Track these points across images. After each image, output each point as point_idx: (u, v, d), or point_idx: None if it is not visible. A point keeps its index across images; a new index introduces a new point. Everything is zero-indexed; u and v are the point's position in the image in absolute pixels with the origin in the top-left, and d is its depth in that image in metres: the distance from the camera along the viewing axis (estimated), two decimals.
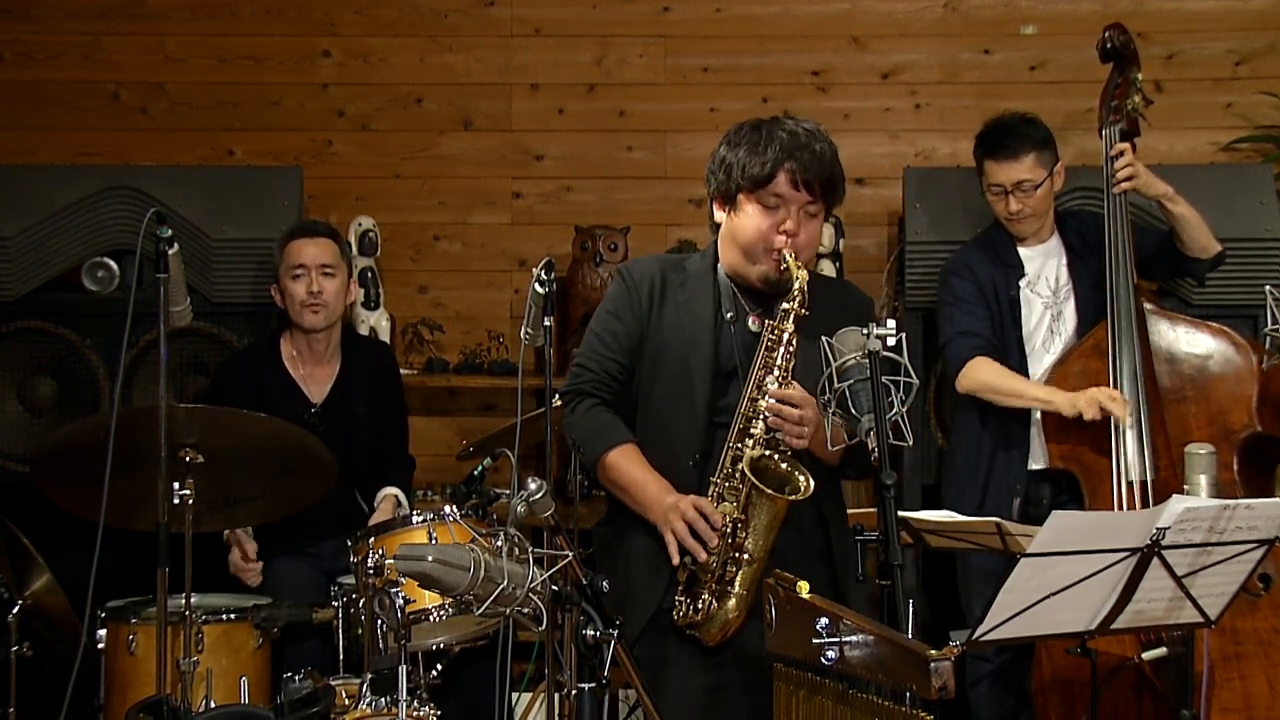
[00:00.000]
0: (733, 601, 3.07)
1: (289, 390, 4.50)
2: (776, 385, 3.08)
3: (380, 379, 4.64)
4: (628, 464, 3.21)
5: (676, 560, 3.09)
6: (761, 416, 3.08)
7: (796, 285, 3.10)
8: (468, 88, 5.53)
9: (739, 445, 3.10)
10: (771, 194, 3.14)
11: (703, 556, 3.06)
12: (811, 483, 3.04)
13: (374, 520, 4.32)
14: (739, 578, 3.06)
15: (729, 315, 3.24)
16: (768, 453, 3.08)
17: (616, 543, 3.30)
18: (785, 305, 3.12)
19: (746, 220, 3.17)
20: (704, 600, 3.08)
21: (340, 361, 4.57)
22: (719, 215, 3.26)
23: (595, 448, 3.25)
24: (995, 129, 4.31)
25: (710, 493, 3.11)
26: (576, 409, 3.31)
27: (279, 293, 4.53)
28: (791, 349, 3.10)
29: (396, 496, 4.47)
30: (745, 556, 3.05)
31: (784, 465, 3.08)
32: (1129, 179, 4.20)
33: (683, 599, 3.12)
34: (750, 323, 3.23)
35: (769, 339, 3.12)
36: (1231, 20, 5.39)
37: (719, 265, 3.29)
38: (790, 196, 3.14)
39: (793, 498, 3.03)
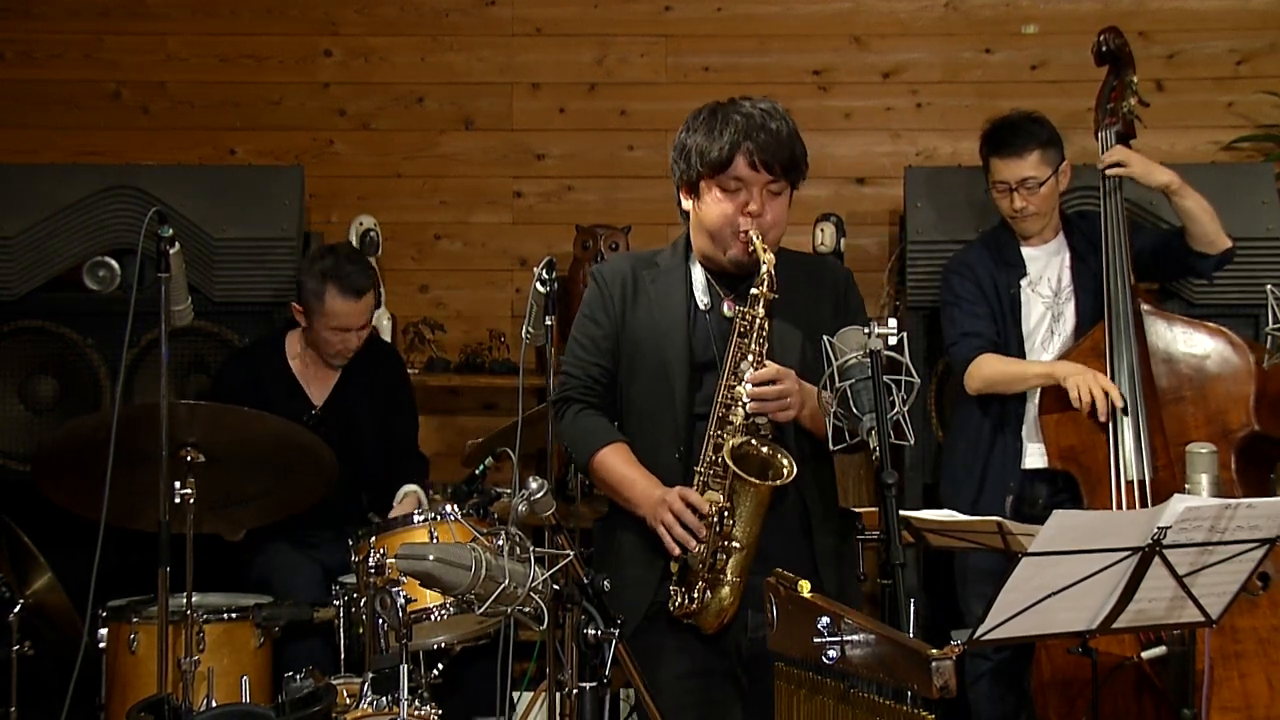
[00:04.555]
0: (726, 589, 3.09)
1: (291, 390, 4.50)
2: (752, 370, 3.09)
3: (386, 381, 4.62)
4: (616, 462, 3.23)
5: (676, 552, 3.10)
6: (740, 403, 3.09)
7: (764, 269, 3.11)
8: (469, 87, 5.53)
9: (719, 434, 3.11)
10: (731, 177, 3.14)
11: (693, 546, 3.08)
12: (795, 466, 3.06)
13: (393, 514, 4.30)
14: (730, 565, 3.08)
15: (704, 304, 3.25)
16: (748, 439, 3.10)
17: (608, 540, 3.31)
18: (754, 290, 3.13)
19: (711, 206, 3.18)
20: (699, 589, 3.10)
21: (345, 364, 4.57)
22: (686, 204, 3.27)
23: (584, 451, 3.27)
24: (1001, 126, 4.31)
25: (695, 483, 3.13)
26: (564, 416, 3.33)
27: (302, 315, 4.44)
28: (764, 333, 3.11)
29: (418, 494, 4.44)
30: (734, 544, 3.07)
31: (765, 450, 3.10)
32: (1118, 164, 4.18)
33: (677, 589, 3.13)
34: (725, 309, 3.23)
35: (741, 325, 3.14)
36: (1232, 19, 5.39)
37: (692, 254, 3.29)
38: (750, 178, 3.14)
39: (775, 483, 3.05)
